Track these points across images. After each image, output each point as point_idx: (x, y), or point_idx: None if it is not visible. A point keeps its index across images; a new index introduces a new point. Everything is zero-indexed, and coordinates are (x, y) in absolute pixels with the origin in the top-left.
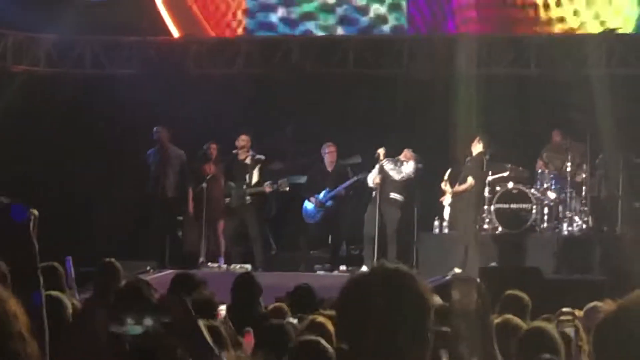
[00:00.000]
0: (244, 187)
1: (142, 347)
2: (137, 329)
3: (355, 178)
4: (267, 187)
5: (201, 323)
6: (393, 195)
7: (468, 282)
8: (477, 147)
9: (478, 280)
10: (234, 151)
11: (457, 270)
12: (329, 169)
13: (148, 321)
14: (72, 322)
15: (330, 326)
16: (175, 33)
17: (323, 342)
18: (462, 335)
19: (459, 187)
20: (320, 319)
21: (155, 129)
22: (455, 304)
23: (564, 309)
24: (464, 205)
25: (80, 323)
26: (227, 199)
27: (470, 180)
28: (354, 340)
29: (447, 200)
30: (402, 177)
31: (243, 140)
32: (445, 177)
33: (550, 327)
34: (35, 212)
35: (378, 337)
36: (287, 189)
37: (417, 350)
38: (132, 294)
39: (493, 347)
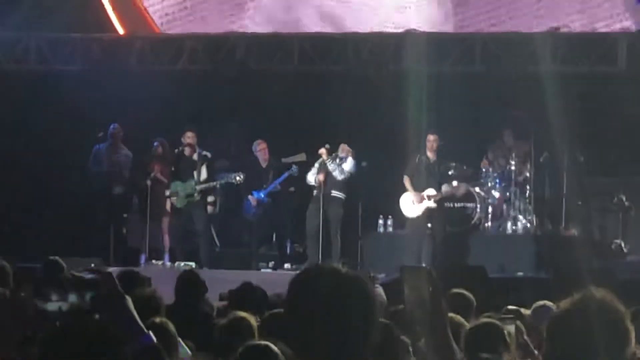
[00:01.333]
0: (193, 184)
1: (71, 323)
2: (63, 305)
3: (286, 173)
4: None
5: (129, 299)
6: (335, 193)
7: (418, 271)
8: (435, 152)
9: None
10: (180, 148)
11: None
12: (263, 165)
13: (72, 297)
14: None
15: (253, 322)
16: (120, 30)
17: (272, 346)
18: (417, 323)
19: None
20: (243, 314)
21: (112, 125)
22: (407, 294)
23: (510, 307)
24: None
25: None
26: (173, 198)
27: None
28: (301, 338)
29: (426, 204)
30: (344, 177)
31: (189, 137)
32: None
33: (495, 324)
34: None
35: (325, 334)
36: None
37: (364, 346)
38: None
39: (447, 334)
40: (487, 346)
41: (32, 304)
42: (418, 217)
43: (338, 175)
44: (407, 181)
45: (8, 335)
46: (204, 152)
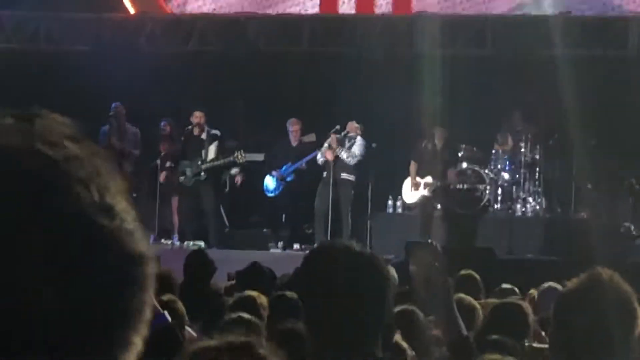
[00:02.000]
0: (199, 163)
1: None
2: None
3: (315, 152)
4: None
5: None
6: (345, 175)
7: (424, 246)
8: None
9: (433, 243)
10: (189, 127)
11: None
12: (294, 144)
13: None
14: None
15: (263, 300)
16: (131, 10)
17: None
18: (423, 300)
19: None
20: (253, 294)
21: (113, 104)
22: (413, 270)
23: (504, 285)
24: None
25: None
26: (182, 177)
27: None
28: (314, 316)
29: (421, 192)
30: (355, 160)
31: (197, 116)
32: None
33: (518, 305)
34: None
35: (338, 312)
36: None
37: (377, 325)
38: None
39: (453, 309)
40: (508, 327)
41: None
42: (422, 200)
43: (351, 161)
44: (412, 166)
45: None
46: (213, 131)
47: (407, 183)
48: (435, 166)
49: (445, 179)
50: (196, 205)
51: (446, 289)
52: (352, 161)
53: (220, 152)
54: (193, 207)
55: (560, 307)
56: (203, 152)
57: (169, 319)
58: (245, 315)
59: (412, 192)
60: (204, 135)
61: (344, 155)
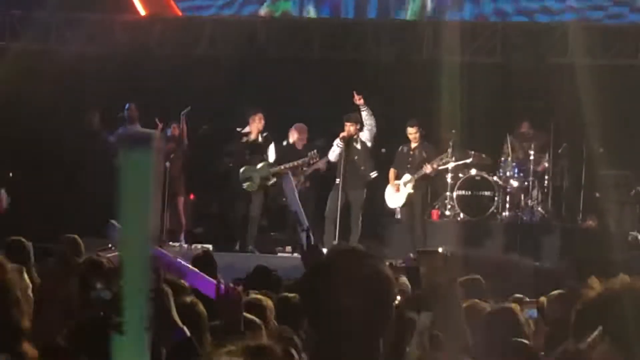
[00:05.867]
0: (266, 166)
1: (114, 311)
2: (107, 294)
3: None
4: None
5: (169, 292)
6: (366, 172)
7: (434, 255)
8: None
9: (443, 251)
10: (239, 130)
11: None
12: (299, 147)
13: (116, 286)
14: (39, 293)
15: (269, 303)
16: (142, 11)
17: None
18: (432, 306)
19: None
20: (259, 297)
21: (126, 105)
22: (423, 276)
23: (517, 295)
24: None
25: (47, 293)
26: (246, 184)
27: None
28: (318, 321)
29: (405, 191)
30: (373, 127)
31: (259, 118)
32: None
33: (514, 310)
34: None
35: (342, 318)
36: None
37: (381, 330)
38: (95, 266)
39: (460, 318)
40: (506, 331)
41: (77, 293)
42: (408, 199)
43: (367, 133)
44: (390, 173)
45: (55, 323)
46: (265, 133)
47: (388, 190)
48: (412, 166)
49: (421, 171)
50: (244, 211)
51: (455, 298)
52: (368, 132)
53: (280, 154)
54: (240, 212)
55: (584, 314)
56: (265, 155)
57: (188, 333)
58: (249, 316)
59: (395, 195)
60: (260, 139)
61: (364, 132)
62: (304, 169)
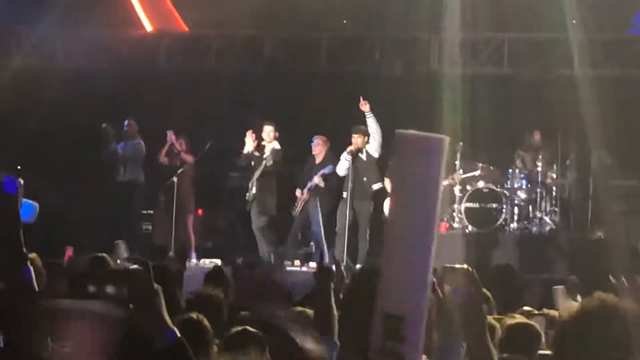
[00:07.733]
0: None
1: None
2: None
3: (331, 166)
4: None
5: (160, 294)
6: (371, 186)
7: (458, 271)
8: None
9: (469, 268)
10: (256, 142)
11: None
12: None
13: (110, 289)
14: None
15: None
16: (148, 27)
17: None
18: (455, 326)
19: None
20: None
21: (126, 121)
22: (447, 294)
23: (525, 308)
24: None
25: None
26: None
27: None
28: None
29: None
30: (378, 134)
31: (272, 130)
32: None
33: (531, 325)
34: (21, 180)
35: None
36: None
37: None
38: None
39: (485, 335)
40: (522, 346)
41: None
42: None
43: (376, 137)
44: (386, 183)
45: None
46: (267, 144)
47: (387, 201)
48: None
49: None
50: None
51: (480, 315)
52: (377, 137)
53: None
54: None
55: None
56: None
57: (178, 334)
58: (250, 329)
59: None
60: (261, 151)
61: (370, 143)
62: (295, 204)
